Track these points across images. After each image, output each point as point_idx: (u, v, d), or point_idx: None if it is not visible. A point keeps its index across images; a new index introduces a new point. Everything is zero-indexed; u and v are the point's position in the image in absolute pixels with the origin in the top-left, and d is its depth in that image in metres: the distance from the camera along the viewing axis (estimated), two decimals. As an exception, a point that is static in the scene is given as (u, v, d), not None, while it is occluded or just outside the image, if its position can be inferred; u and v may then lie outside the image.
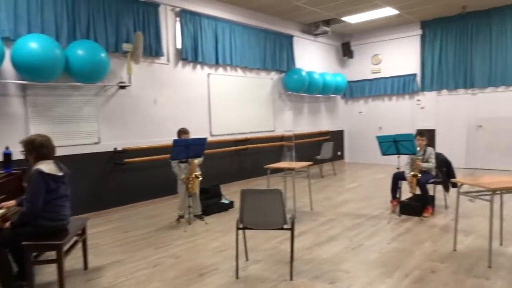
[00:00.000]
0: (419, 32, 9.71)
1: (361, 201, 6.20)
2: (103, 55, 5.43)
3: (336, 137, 11.01)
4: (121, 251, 4.16)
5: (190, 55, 6.95)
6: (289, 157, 5.75)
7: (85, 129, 5.69)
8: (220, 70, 7.70)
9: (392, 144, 4.99)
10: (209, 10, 7.28)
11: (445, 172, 5.40)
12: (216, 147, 7.49)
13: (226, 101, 7.81)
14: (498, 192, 3.61)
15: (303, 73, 9.01)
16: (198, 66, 7.28)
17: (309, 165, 5.63)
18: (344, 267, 3.50)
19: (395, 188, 5.45)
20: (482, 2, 8.25)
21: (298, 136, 9.49)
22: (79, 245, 3.62)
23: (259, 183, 7.85)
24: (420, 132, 5.41)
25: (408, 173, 5.24)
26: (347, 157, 11.43)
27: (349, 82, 10.97)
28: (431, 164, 5.27)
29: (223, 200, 6.00)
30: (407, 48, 10.00)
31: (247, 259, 3.75)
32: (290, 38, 9.17)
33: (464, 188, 3.71)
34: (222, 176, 7.61)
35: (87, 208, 5.56)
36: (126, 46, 5.86)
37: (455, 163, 9.31)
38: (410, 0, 7.91)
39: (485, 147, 8.99)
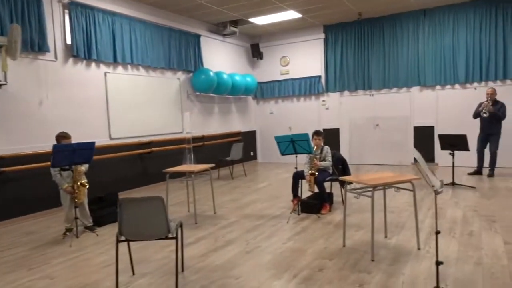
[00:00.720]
0: (322, 36, 10.15)
1: (266, 201, 6.21)
2: (-33, 48, 4.69)
3: (249, 138, 11.06)
4: (-15, 276, 3.58)
5: (82, 51, 6.37)
6: (189, 159, 5.55)
7: None
8: (120, 68, 7.20)
9: (289, 144, 5.05)
10: (103, 4, 6.75)
11: (341, 169, 5.63)
12: (116, 151, 6.99)
13: (128, 102, 7.33)
14: (381, 187, 3.81)
15: (211, 73, 8.86)
16: (93, 64, 6.71)
17: (212, 167, 5.47)
18: (235, 272, 3.39)
19: (295, 187, 5.54)
20: (375, 9, 8.87)
21: (208, 137, 9.32)
22: None
23: (164, 188, 7.50)
24: (317, 132, 5.56)
25: (307, 172, 5.36)
26: (260, 157, 11.54)
27: (260, 83, 11.09)
28: (328, 162, 5.45)
29: (121, 208, 5.56)
30: (312, 50, 10.40)
31: (133, 273, 3.45)
32: (197, 37, 8.95)
33: (355, 184, 3.84)
34: (124, 182, 7.12)
35: (-49, 227, 4.76)
36: (-1, 40, 5.15)
37: (356, 161, 9.96)
38: (311, 5, 8.20)
39: (382, 144, 9.69)
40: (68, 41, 6.26)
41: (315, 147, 5.49)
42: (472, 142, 7.62)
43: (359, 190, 3.77)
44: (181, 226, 3.31)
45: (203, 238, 4.43)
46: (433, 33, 8.86)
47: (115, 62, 6.99)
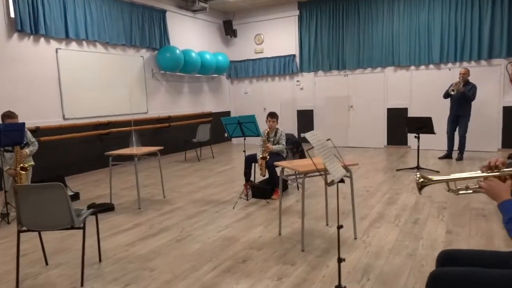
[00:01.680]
0: (297, 12, 9.76)
1: (222, 185, 6.00)
2: None
3: (222, 119, 10.77)
4: None
5: (28, 26, 5.99)
6: (136, 142, 5.32)
7: None
8: (73, 45, 6.83)
9: (237, 126, 4.80)
10: (52, -25, 6.33)
11: (295, 153, 5.40)
12: (71, 132, 6.70)
13: (84, 81, 6.99)
14: (319, 173, 3.57)
15: (178, 52, 8.49)
16: (42, 39, 6.33)
17: (159, 150, 5.19)
18: (154, 264, 3.18)
19: (248, 171, 5.32)
20: (350, -15, 8.48)
21: (175, 118, 9.03)
22: None
23: (123, 170, 7.28)
24: (271, 114, 5.29)
25: (259, 155, 5.13)
26: (234, 139, 11.27)
27: (233, 62, 10.74)
28: (281, 146, 5.21)
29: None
30: (286, 28, 10.02)
31: (46, 264, 3.24)
32: (162, 13, 8.53)
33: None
34: (79, 164, 6.87)
35: None
36: None
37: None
38: (280, -21, 7.79)
39: (355, 126, 9.46)
40: (12, 15, 5.87)
41: (269, 130, 5.25)
42: (444, 125, 7.45)
43: (292, 177, 3.56)
44: (94, 214, 3.09)
45: (139, 224, 4.21)
46: (408, 11, 8.51)
47: (67, 37, 6.61)
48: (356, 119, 9.42)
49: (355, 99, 9.40)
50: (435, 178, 1.74)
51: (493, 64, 7.92)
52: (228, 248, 3.45)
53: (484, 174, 1.69)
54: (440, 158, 7.54)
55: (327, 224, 3.97)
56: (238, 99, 11.08)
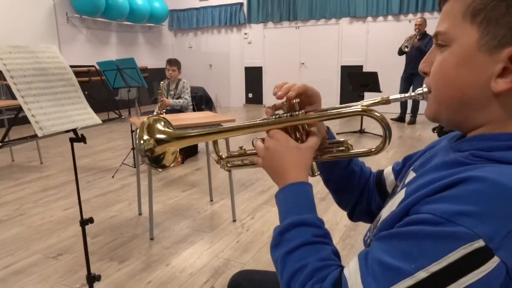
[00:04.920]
0: (243, -49, 8.48)
1: (127, 148, 4.98)
2: None
3: (163, 75, 9.60)
4: None
5: None
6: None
7: None
8: None
9: (117, 74, 3.75)
10: None
11: (203, 110, 4.43)
12: None
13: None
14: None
15: (96, -8, 7.18)
16: None
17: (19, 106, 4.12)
18: None
19: (143, 132, 4.32)
20: None
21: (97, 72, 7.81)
22: None
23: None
24: (169, 61, 4.27)
25: (155, 113, 4.13)
26: (179, 99, 10.18)
27: (175, 10, 9.44)
28: (184, 100, 4.21)
29: None
30: (232, -29, 8.75)
31: None
32: None
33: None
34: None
35: None
36: None
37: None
38: None
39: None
40: None
41: (169, 80, 4.23)
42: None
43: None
44: None
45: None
46: (367, -49, 7.38)
47: None
48: (308, 78, 8.44)
49: (306, 55, 8.37)
50: (172, 133, 0.80)
51: (457, 15, 6.96)
52: (54, 234, 2.51)
53: (264, 122, 0.77)
54: (393, 120, 6.72)
55: (211, 200, 3.07)
56: (182, 54, 9.85)
